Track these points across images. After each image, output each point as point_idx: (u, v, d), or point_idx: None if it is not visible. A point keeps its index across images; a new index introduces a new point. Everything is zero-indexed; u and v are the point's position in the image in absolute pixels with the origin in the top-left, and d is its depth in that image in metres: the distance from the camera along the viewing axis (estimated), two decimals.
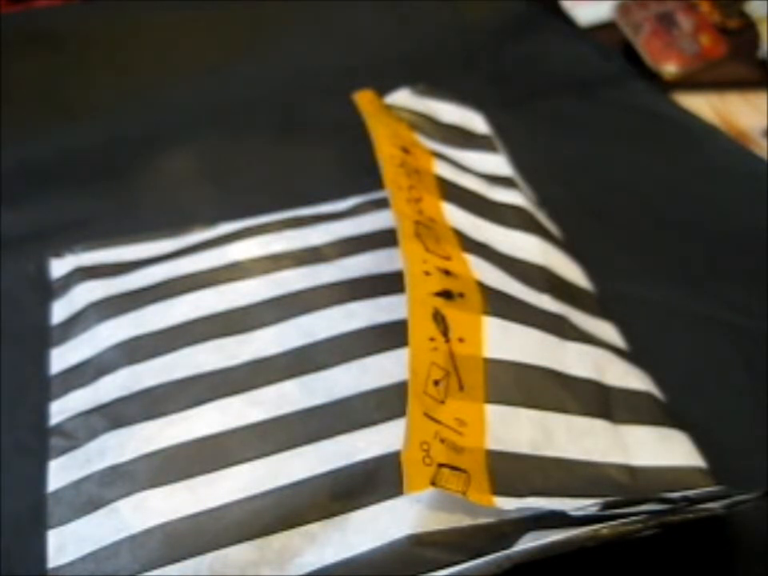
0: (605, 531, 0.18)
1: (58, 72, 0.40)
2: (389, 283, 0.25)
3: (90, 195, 0.32)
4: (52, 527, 0.20)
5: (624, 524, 0.18)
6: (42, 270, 0.28)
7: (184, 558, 0.19)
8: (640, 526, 0.18)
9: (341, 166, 0.34)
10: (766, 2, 0.42)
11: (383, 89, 0.34)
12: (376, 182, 0.30)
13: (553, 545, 0.18)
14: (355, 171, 0.33)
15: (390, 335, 0.23)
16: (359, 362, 0.23)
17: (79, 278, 0.27)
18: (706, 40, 0.41)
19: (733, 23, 0.43)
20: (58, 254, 0.28)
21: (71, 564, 0.20)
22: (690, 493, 0.19)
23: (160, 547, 0.19)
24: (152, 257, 0.27)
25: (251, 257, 0.27)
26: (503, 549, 0.19)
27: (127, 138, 0.35)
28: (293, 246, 0.27)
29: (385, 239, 0.27)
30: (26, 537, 0.21)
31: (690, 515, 0.19)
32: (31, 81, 0.39)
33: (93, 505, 0.20)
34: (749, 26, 0.43)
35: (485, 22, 0.44)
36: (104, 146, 0.35)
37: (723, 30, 0.42)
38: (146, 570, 0.19)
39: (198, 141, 0.35)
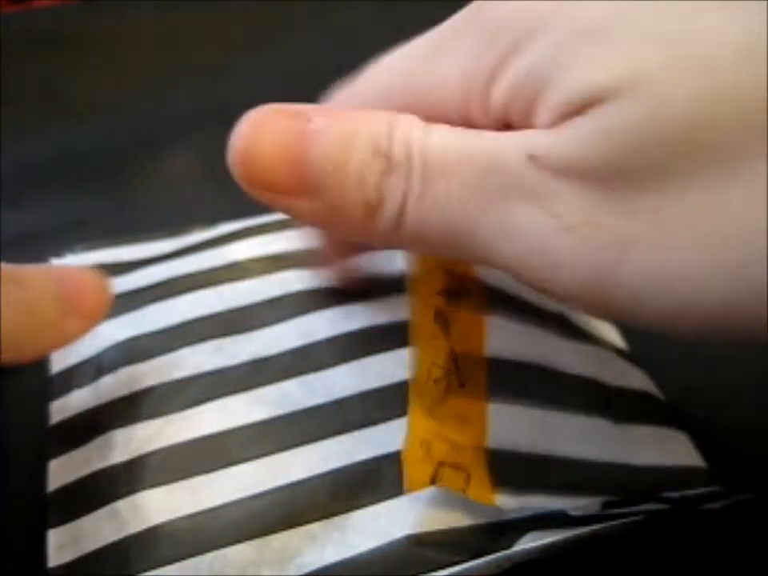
0: (605, 531, 0.18)
1: (57, 72, 0.40)
2: (388, 284, 0.25)
3: (90, 195, 0.32)
4: (52, 527, 0.20)
5: (623, 524, 0.18)
6: None
7: (183, 558, 0.19)
8: (638, 518, 0.18)
9: None
10: None
11: None
12: None
13: (553, 545, 0.18)
14: None
15: (390, 335, 0.23)
16: (359, 362, 0.23)
17: None
18: None
19: None
20: (58, 254, 0.28)
21: (71, 563, 0.20)
22: (689, 493, 0.19)
23: (160, 547, 0.19)
24: (151, 257, 0.27)
25: (251, 257, 0.27)
26: (503, 549, 0.19)
27: (127, 137, 0.35)
28: (293, 246, 0.27)
29: None
30: (26, 536, 0.21)
31: (690, 515, 0.19)
32: (31, 81, 0.39)
33: (94, 504, 0.20)
34: None
35: None
36: (104, 146, 0.35)
37: None
38: (146, 570, 0.19)
39: (198, 141, 0.35)
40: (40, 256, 0.28)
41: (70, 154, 0.34)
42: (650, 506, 0.18)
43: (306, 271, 0.26)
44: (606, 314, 0.16)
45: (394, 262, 0.26)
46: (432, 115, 0.14)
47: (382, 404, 0.22)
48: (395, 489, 0.20)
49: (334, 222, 0.14)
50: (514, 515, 0.19)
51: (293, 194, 0.14)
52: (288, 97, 0.38)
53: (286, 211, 0.15)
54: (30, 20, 0.44)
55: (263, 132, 0.15)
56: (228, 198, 0.32)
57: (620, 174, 0.12)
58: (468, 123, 0.14)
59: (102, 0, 0.45)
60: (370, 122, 0.14)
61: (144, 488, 0.20)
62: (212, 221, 0.29)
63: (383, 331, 0.24)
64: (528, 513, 0.19)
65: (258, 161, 0.15)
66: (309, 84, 0.40)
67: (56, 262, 0.28)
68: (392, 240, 0.14)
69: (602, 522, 0.18)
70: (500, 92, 0.14)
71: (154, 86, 0.39)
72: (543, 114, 0.13)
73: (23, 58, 0.40)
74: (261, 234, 0.28)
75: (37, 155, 0.34)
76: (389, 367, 0.23)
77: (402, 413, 0.21)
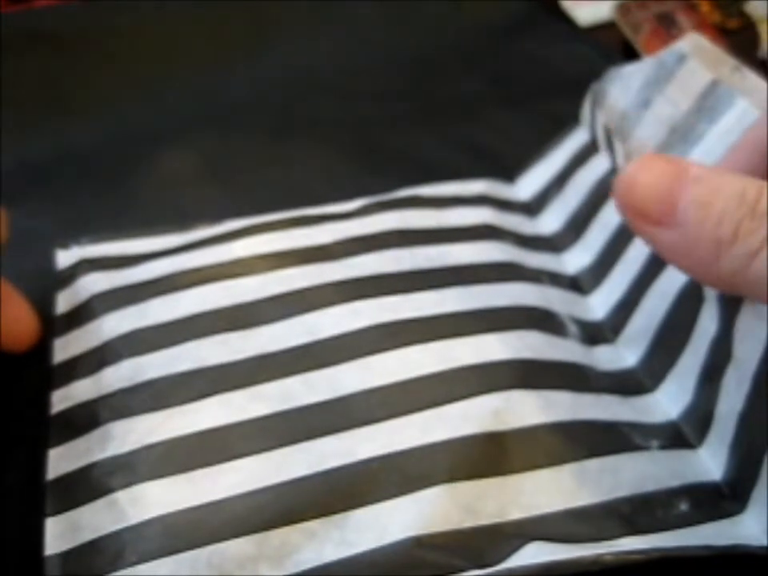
0: (608, 558, 0.18)
1: (58, 71, 0.40)
2: (394, 283, 0.25)
3: (90, 195, 0.32)
4: (50, 515, 0.20)
5: (628, 552, 0.18)
6: (42, 267, 0.28)
7: (182, 551, 0.19)
8: (643, 557, 0.18)
9: (341, 166, 0.34)
10: (766, 1, 0.42)
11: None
12: (376, 182, 0.31)
13: (557, 564, 0.18)
14: (356, 171, 0.33)
15: (394, 335, 0.24)
16: (363, 360, 0.23)
17: (85, 269, 0.27)
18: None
19: (733, 23, 0.43)
20: (64, 245, 0.28)
21: (69, 552, 0.19)
22: (708, 544, 0.19)
23: (158, 539, 0.19)
24: (157, 251, 0.28)
25: (257, 253, 0.27)
26: (505, 555, 0.19)
27: (127, 137, 0.35)
28: (299, 243, 0.27)
29: (391, 240, 0.27)
30: (24, 524, 0.21)
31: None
32: (31, 80, 0.39)
33: (92, 494, 0.20)
34: (749, 26, 0.43)
35: (485, 21, 0.44)
36: (104, 146, 0.35)
37: (723, 30, 0.42)
38: (144, 561, 0.19)
39: (198, 140, 0.35)
40: (40, 255, 0.28)
41: (69, 153, 0.34)
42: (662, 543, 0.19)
43: (310, 268, 0.26)
44: None
45: (400, 262, 0.26)
46: None
47: (384, 402, 0.22)
48: (396, 488, 0.20)
49: (686, 253, 0.18)
50: (516, 516, 0.19)
51: (659, 224, 0.18)
52: (288, 97, 0.38)
53: (649, 239, 0.19)
54: (30, 20, 0.44)
55: (645, 169, 0.18)
56: (228, 198, 0.33)
57: None
58: None
59: (102, 0, 0.45)
60: (743, 180, 0.17)
61: (144, 480, 0.20)
62: (212, 220, 0.29)
63: (387, 330, 0.24)
64: (532, 514, 0.19)
65: (637, 191, 0.18)
66: (309, 84, 0.40)
67: (61, 253, 0.28)
68: (732, 280, 0.17)
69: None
70: None
71: (153, 86, 0.39)
72: None
73: (23, 58, 0.40)
74: (267, 231, 0.28)
75: (37, 155, 0.34)
76: (392, 366, 0.23)
77: (404, 411, 0.22)
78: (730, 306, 0.20)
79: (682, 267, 0.19)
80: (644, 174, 0.18)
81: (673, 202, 0.18)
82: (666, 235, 0.18)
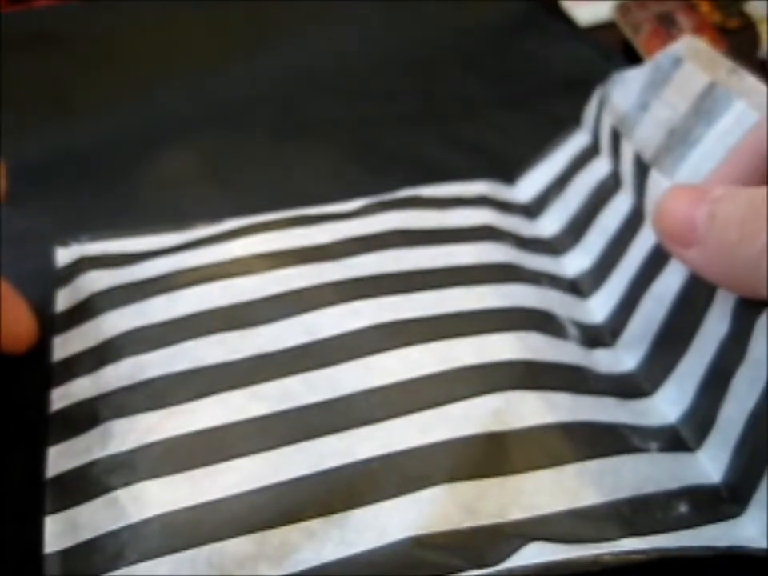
0: (608, 558, 0.18)
1: (57, 72, 0.40)
2: (394, 283, 0.25)
3: (90, 195, 0.32)
4: (50, 513, 0.20)
5: (628, 552, 0.18)
6: (42, 267, 0.28)
7: (181, 550, 0.19)
8: (643, 557, 0.18)
9: (341, 166, 0.34)
10: (766, 1, 0.42)
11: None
12: (376, 182, 0.30)
13: (557, 564, 0.18)
14: (355, 171, 0.33)
15: (394, 334, 0.24)
16: (363, 360, 0.23)
17: (84, 267, 0.27)
18: (705, 40, 0.41)
19: (733, 23, 0.43)
20: (64, 243, 0.28)
21: (68, 550, 0.19)
22: (706, 545, 0.19)
23: (158, 538, 0.19)
24: (157, 249, 0.28)
25: (255, 253, 0.27)
26: (504, 554, 0.18)
27: (127, 137, 0.35)
28: (299, 243, 0.27)
29: (391, 240, 0.27)
30: (24, 522, 0.21)
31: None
32: (31, 80, 0.39)
33: (92, 492, 0.20)
34: (749, 26, 0.43)
35: (485, 21, 0.44)
36: (104, 146, 0.35)
37: (723, 30, 0.42)
38: (143, 560, 0.19)
39: (198, 140, 0.35)
40: (40, 255, 0.28)
41: (69, 153, 0.34)
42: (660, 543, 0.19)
43: (309, 268, 0.26)
44: None
45: (400, 262, 0.26)
46: None
47: (385, 402, 0.22)
48: (396, 488, 0.20)
49: (709, 266, 0.20)
50: (516, 516, 0.19)
51: (686, 245, 0.20)
52: (288, 97, 0.38)
53: (682, 260, 0.21)
54: (31, 20, 0.44)
55: (672, 197, 0.20)
56: (227, 198, 0.33)
57: None
58: None
59: (102, 0, 0.45)
60: (753, 190, 0.18)
61: (143, 478, 0.20)
62: (211, 220, 0.29)
63: (387, 330, 0.24)
64: (533, 514, 0.19)
65: (665, 218, 0.20)
66: (309, 84, 0.40)
67: (61, 250, 0.28)
68: (750, 283, 0.18)
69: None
70: None
71: (153, 86, 0.39)
72: None
73: (23, 58, 0.41)
74: (267, 230, 0.28)
75: (37, 155, 0.34)
76: (392, 366, 0.23)
77: (404, 411, 0.22)
78: (749, 306, 0.20)
79: (714, 282, 0.20)
80: (671, 202, 0.20)
81: (693, 222, 0.19)
82: (692, 254, 0.20)
